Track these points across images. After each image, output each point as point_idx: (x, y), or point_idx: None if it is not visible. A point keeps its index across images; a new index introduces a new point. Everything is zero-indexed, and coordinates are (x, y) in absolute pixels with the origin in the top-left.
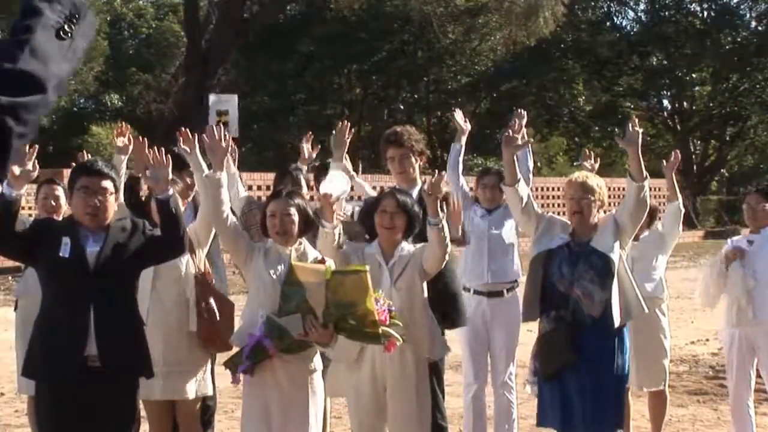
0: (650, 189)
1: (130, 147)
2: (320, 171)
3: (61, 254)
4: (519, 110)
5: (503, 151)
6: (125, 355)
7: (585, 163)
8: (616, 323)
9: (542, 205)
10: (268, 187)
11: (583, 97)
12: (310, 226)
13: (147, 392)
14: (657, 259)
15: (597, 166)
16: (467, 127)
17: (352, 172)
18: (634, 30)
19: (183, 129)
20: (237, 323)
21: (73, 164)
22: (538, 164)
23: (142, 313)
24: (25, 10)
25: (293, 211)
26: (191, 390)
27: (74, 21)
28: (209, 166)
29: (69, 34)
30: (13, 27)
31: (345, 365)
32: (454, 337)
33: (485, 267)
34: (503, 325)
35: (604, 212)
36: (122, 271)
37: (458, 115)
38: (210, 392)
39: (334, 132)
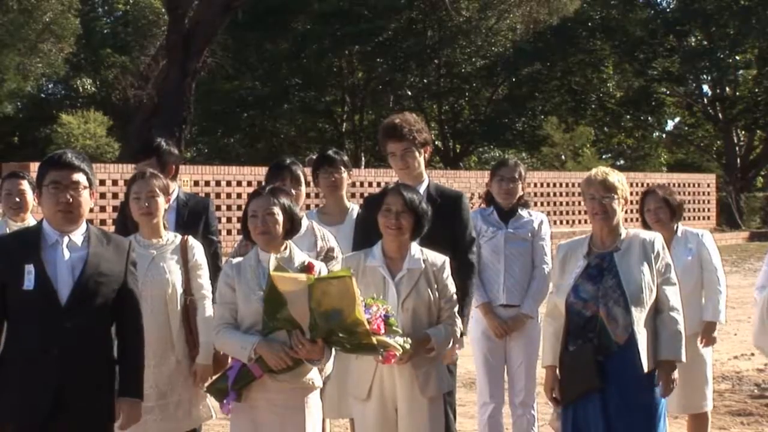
0: (687, 185)
1: None
2: (318, 164)
3: (24, 287)
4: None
5: None
6: (96, 398)
7: None
8: (645, 368)
9: (566, 203)
10: (259, 183)
11: (613, 82)
12: (296, 227)
13: (141, 430)
14: (701, 282)
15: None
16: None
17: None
18: (671, 6)
19: None
20: None
21: None
22: (563, 157)
23: None
24: None
25: (277, 210)
26: (191, 421)
27: None
28: None
29: None
30: None
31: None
32: (468, 351)
33: (501, 285)
34: (522, 338)
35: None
36: (99, 305)
37: None
38: (212, 416)
39: None
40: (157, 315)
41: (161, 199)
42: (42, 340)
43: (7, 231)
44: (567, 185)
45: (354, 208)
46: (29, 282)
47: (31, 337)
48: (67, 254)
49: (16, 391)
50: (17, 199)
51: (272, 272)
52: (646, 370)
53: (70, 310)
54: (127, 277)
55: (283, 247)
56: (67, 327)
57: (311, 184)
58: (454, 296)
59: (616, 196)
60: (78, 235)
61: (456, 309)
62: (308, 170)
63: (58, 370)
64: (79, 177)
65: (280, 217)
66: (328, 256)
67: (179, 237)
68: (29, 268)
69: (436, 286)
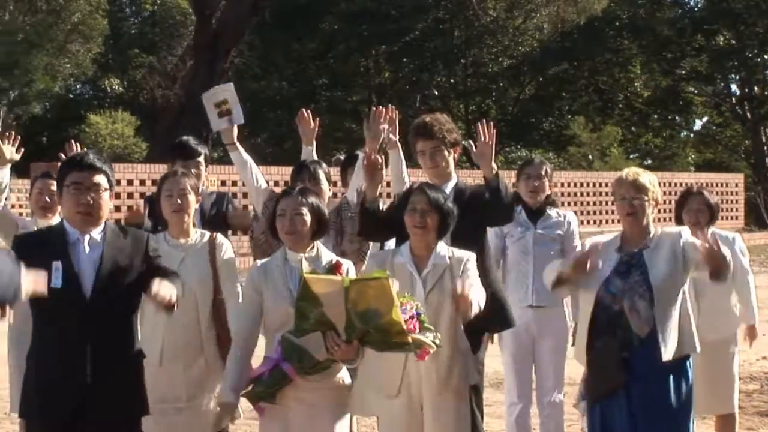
0: (715, 185)
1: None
2: (346, 164)
3: (52, 284)
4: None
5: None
6: (123, 394)
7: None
8: (664, 357)
9: (594, 203)
10: (286, 183)
11: (641, 82)
12: (323, 227)
13: (168, 430)
14: (730, 286)
15: None
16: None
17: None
18: (699, 5)
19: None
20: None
21: (61, 155)
22: (590, 157)
23: (156, 343)
24: None
25: (305, 210)
26: (221, 420)
27: None
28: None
29: None
30: None
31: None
32: (495, 351)
33: (529, 287)
34: (550, 338)
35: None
36: (122, 299)
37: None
38: (241, 416)
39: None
40: (186, 315)
41: (192, 198)
42: (69, 337)
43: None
44: (594, 185)
45: None
46: (57, 279)
47: (59, 334)
48: (88, 250)
49: (44, 389)
50: (47, 199)
51: (306, 275)
52: (664, 359)
53: (95, 306)
54: (150, 261)
55: (310, 247)
56: (93, 323)
57: (338, 183)
58: (480, 291)
59: (646, 197)
60: (97, 233)
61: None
62: (335, 170)
63: (86, 366)
64: (100, 179)
65: (308, 218)
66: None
67: (207, 235)
68: (57, 265)
69: (457, 273)
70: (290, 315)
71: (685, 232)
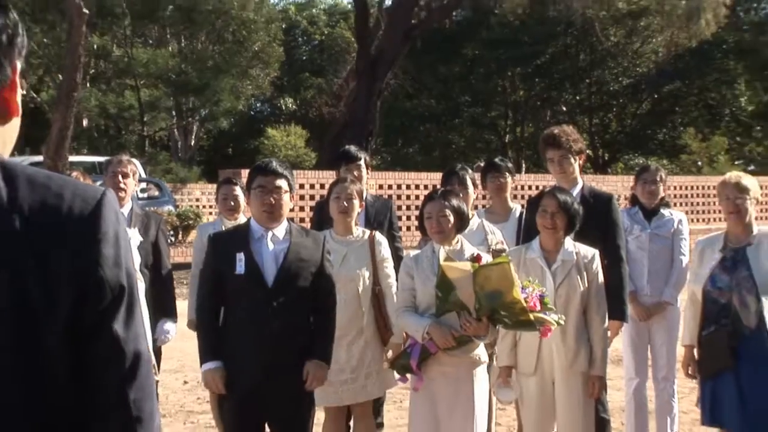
0: None
1: None
2: (485, 170)
3: (236, 272)
4: None
5: None
6: (301, 367)
7: None
8: None
9: (703, 203)
10: (434, 186)
11: (745, 98)
12: (465, 223)
13: (335, 399)
14: None
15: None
16: None
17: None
18: None
19: None
20: None
21: None
22: (699, 163)
23: None
24: None
25: (448, 212)
26: (379, 388)
27: None
28: None
29: None
30: None
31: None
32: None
33: (645, 277)
34: (664, 321)
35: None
36: (302, 288)
37: None
38: (395, 384)
39: None
40: (350, 304)
41: (356, 202)
42: (253, 318)
43: (223, 228)
44: (703, 188)
45: (517, 208)
46: (240, 267)
47: (244, 315)
48: (271, 246)
49: (233, 362)
50: (232, 203)
51: (442, 263)
52: None
53: (276, 291)
54: (323, 262)
55: (455, 241)
56: (274, 306)
57: (479, 186)
58: (602, 287)
59: (748, 197)
60: (280, 230)
61: (605, 310)
62: (477, 175)
63: (268, 343)
64: (281, 183)
65: (451, 218)
66: (498, 249)
67: (367, 233)
68: (240, 256)
69: (586, 275)
70: (434, 297)
71: None
